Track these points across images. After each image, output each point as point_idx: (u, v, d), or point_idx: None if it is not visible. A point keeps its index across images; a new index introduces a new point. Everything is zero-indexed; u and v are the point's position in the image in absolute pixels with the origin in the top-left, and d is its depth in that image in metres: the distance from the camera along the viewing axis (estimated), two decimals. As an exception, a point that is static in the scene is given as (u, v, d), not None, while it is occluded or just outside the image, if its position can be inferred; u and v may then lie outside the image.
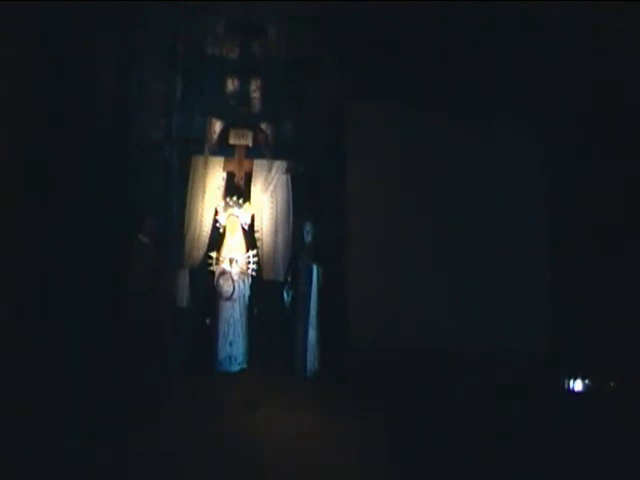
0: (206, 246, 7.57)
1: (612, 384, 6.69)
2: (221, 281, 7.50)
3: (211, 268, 7.58)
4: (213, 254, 7.59)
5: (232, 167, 7.80)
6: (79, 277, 6.80)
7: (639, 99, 6.94)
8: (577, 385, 6.77)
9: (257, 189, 7.73)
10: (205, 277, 7.64)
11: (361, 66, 7.51)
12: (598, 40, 7.03)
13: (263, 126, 7.92)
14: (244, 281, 7.57)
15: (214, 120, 7.79)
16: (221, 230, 7.64)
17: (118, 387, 6.08)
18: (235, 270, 7.54)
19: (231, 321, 7.46)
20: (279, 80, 7.90)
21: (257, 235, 7.75)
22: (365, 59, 7.51)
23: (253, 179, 7.76)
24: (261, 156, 7.84)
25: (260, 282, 7.70)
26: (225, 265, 7.54)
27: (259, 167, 7.76)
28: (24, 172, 6.57)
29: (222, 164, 7.68)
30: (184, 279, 7.46)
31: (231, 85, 7.94)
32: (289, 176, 7.76)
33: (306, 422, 5.68)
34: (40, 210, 6.58)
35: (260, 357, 7.53)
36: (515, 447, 5.31)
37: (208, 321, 7.57)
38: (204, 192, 7.54)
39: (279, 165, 7.74)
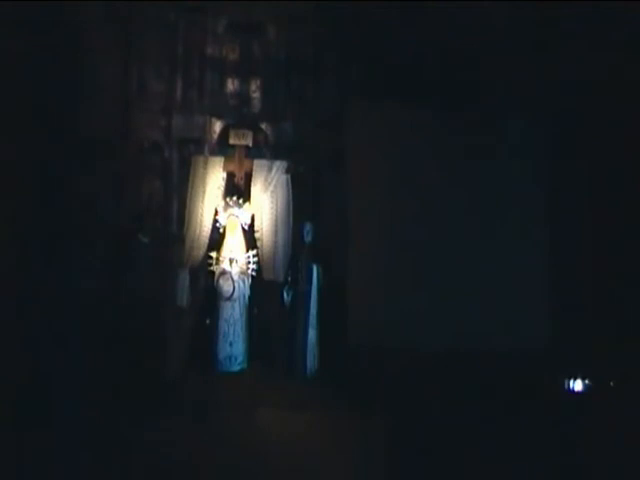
0: (206, 246, 7.58)
1: (612, 384, 6.68)
2: (221, 281, 7.51)
3: (211, 268, 7.59)
4: (213, 254, 7.59)
5: (232, 167, 7.80)
6: (79, 277, 6.81)
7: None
8: (577, 385, 6.77)
9: (257, 189, 7.74)
10: (205, 277, 7.65)
11: (361, 66, 7.51)
12: (598, 39, 7.02)
13: (263, 126, 7.92)
14: (244, 281, 7.58)
15: (214, 120, 7.79)
16: (221, 230, 7.65)
17: (118, 387, 6.09)
18: (235, 270, 7.55)
19: (231, 321, 7.46)
20: (279, 80, 7.91)
21: (257, 235, 7.76)
22: (365, 59, 7.51)
23: (253, 179, 7.77)
24: (261, 156, 7.85)
25: (260, 282, 7.71)
26: (225, 265, 7.55)
27: (259, 167, 7.77)
28: (24, 172, 6.58)
29: (222, 164, 7.68)
30: (184, 279, 7.47)
31: (231, 85, 7.94)
32: (289, 176, 7.76)
33: (306, 422, 5.68)
34: (40, 210, 6.58)
35: (260, 357, 7.53)
36: (515, 447, 5.31)
37: (208, 321, 7.58)
38: (204, 192, 7.55)
39: (279, 165, 7.74)
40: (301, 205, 7.76)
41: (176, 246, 7.54)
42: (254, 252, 7.69)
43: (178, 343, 7.44)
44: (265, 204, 7.76)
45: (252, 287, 7.64)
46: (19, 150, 6.61)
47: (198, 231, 7.53)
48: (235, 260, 7.57)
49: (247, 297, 7.61)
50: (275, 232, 7.73)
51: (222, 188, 7.71)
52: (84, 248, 6.96)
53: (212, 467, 5.05)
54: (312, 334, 7.38)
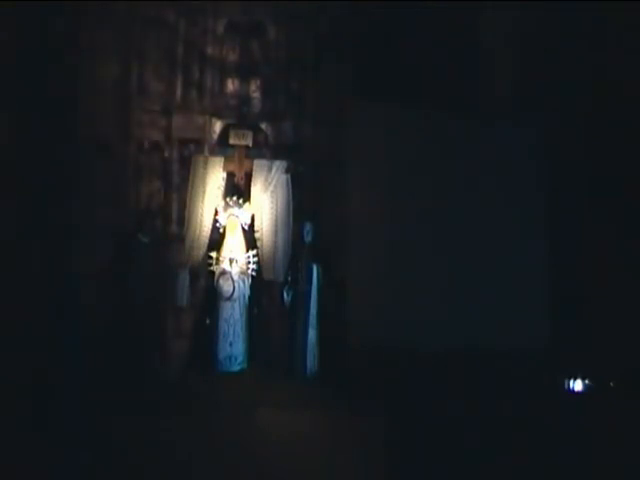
0: (206, 246, 7.56)
1: (612, 384, 6.69)
2: (221, 281, 7.50)
3: (211, 268, 7.58)
4: (213, 254, 7.58)
5: (232, 167, 7.79)
6: (79, 277, 6.82)
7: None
8: (577, 385, 6.77)
9: (257, 189, 7.73)
10: (205, 277, 7.65)
11: (361, 66, 7.51)
12: (598, 39, 7.03)
13: (263, 126, 7.93)
14: (244, 281, 7.57)
15: (214, 120, 7.80)
16: (221, 230, 7.64)
17: (118, 387, 6.09)
18: (235, 270, 7.54)
19: (231, 321, 7.45)
20: (279, 80, 7.91)
21: (257, 235, 7.75)
22: (365, 59, 7.51)
23: (253, 179, 7.76)
24: (261, 156, 7.84)
25: (260, 282, 7.70)
26: (225, 265, 7.54)
27: (259, 167, 7.76)
28: (24, 172, 6.58)
29: (222, 164, 7.67)
30: (184, 279, 7.46)
31: (231, 85, 7.94)
32: (289, 176, 7.75)
33: (306, 422, 5.68)
34: (40, 210, 6.59)
35: (260, 357, 7.53)
36: (515, 447, 5.31)
37: (208, 321, 7.57)
38: (204, 192, 7.54)
39: (279, 165, 7.73)
40: (301, 205, 7.76)
41: (176, 246, 7.54)
42: (254, 252, 7.69)
43: (178, 343, 7.45)
44: (265, 204, 7.75)
45: (252, 287, 7.63)
46: (19, 150, 6.62)
47: (198, 231, 7.52)
48: (235, 260, 7.56)
49: (247, 297, 7.60)
50: (275, 232, 7.72)
51: (222, 188, 7.70)
52: (84, 248, 6.96)
53: (212, 467, 5.05)
54: (312, 334, 7.37)
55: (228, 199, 7.67)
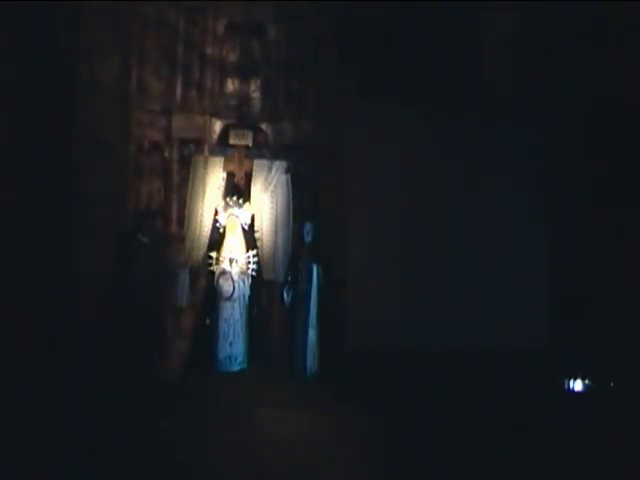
0: (206, 246, 7.57)
1: (612, 384, 6.68)
2: (221, 281, 7.50)
3: (211, 268, 7.59)
4: (213, 254, 7.59)
5: (232, 167, 7.80)
6: (79, 277, 6.82)
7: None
8: (577, 385, 6.76)
9: (257, 189, 7.74)
10: (205, 277, 7.65)
11: (361, 66, 7.51)
12: (598, 39, 7.03)
13: (263, 126, 7.93)
14: (244, 281, 7.57)
15: (214, 120, 7.81)
16: (221, 230, 7.64)
17: (118, 387, 6.09)
18: (235, 270, 7.55)
19: (231, 321, 7.46)
20: (279, 80, 7.92)
21: (257, 235, 7.76)
22: (365, 59, 7.51)
23: (253, 179, 7.76)
24: (261, 156, 7.85)
25: (260, 282, 7.70)
26: (225, 265, 7.55)
27: (259, 167, 7.76)
28: (24, 172, 6.58)
29: (222, 164, 7.68)
30: (184, 279, 7.47)
31: (231, 85, 7.96)
32: (289, 176, 7.76)
33: (306, 422, 5.68)
34: (40, 210, 6.58)
35: (260, 357, 7.53)
36: (515, 447, 5.31)
37: (208, 321, 7.58)
38: (204, 192, 7.55)
39: (279, 165, 7.74)
40: (301, 205, 7.76)
41: (176, 246, 7.54)
42: (254, 252, 7.69)
43: (178, 343, 7.45)
44: (265, 204, 7.75)
45: (252, 287, 7.63)
46: (19, 150, 6.61)
47: (198, 231, 7.53)
48: (235, 260, 7.56)
49: (247, 297, 7.60)
50: (275, 232, 7.73)
51: (222, 188, 7.71)
52: (84, 248, 6.96)
53: (212, 467, 5.05)
54: (312, 334, 7.37)
55: (228, 199, 7.68)
